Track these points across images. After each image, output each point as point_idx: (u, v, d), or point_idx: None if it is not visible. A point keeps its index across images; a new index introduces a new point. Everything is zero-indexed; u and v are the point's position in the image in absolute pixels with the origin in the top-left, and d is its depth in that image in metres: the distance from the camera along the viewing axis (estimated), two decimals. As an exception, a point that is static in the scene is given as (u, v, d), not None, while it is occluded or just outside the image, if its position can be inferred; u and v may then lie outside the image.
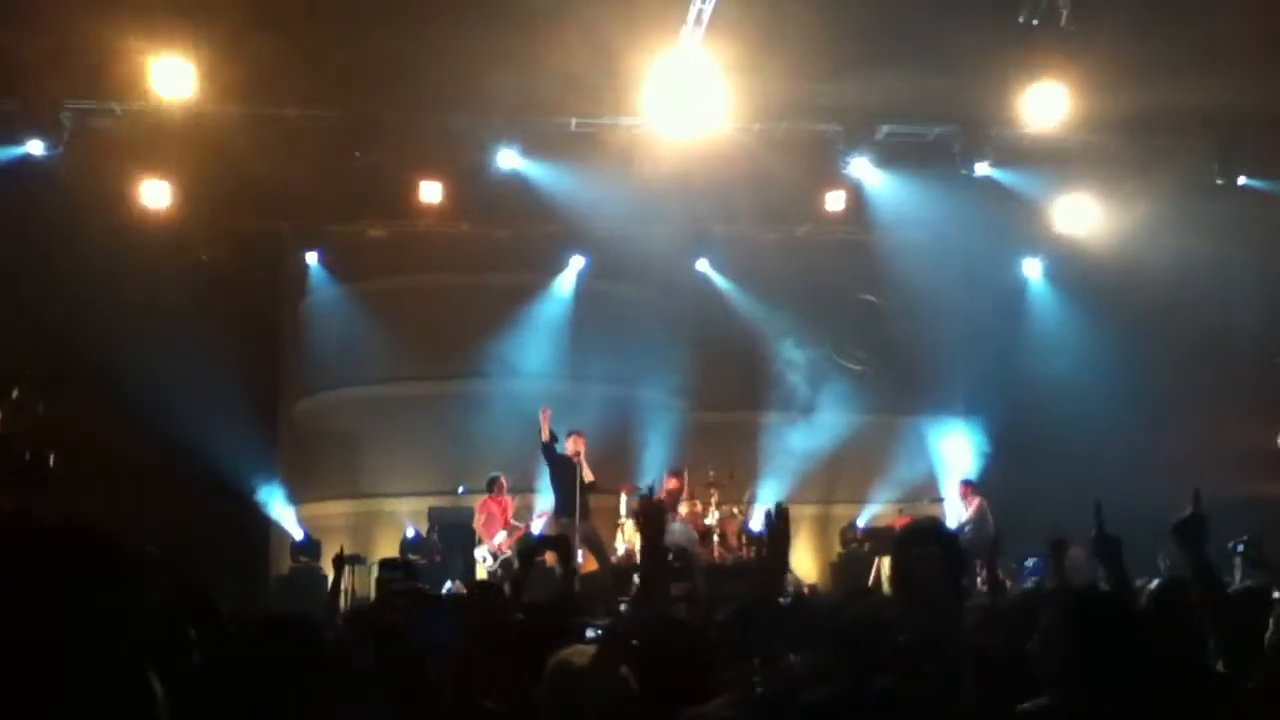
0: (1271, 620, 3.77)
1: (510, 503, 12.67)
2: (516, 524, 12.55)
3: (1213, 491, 3.51)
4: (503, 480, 12.61)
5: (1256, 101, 9.94)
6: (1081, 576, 5.89)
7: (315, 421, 14.93)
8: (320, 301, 14.59)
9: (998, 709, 2.86)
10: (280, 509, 14.19)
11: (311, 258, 14.27)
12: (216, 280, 12.85)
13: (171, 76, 10.03)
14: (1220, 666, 3.28)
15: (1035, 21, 8.89)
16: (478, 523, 12.45)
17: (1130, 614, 2.76)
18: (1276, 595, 4.37)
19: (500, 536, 12.25)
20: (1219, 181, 12.25)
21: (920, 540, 3.24)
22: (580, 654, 2.59)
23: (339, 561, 6.65)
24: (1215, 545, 4.40)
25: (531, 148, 11.67)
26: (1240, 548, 4.74)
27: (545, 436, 11.83)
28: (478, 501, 12.71)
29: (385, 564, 8.06)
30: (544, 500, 13.34)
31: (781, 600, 4.35)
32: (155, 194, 11.75)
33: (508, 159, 11.74)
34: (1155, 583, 3.72)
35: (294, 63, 10.10)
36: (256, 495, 13.85)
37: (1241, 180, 12.21)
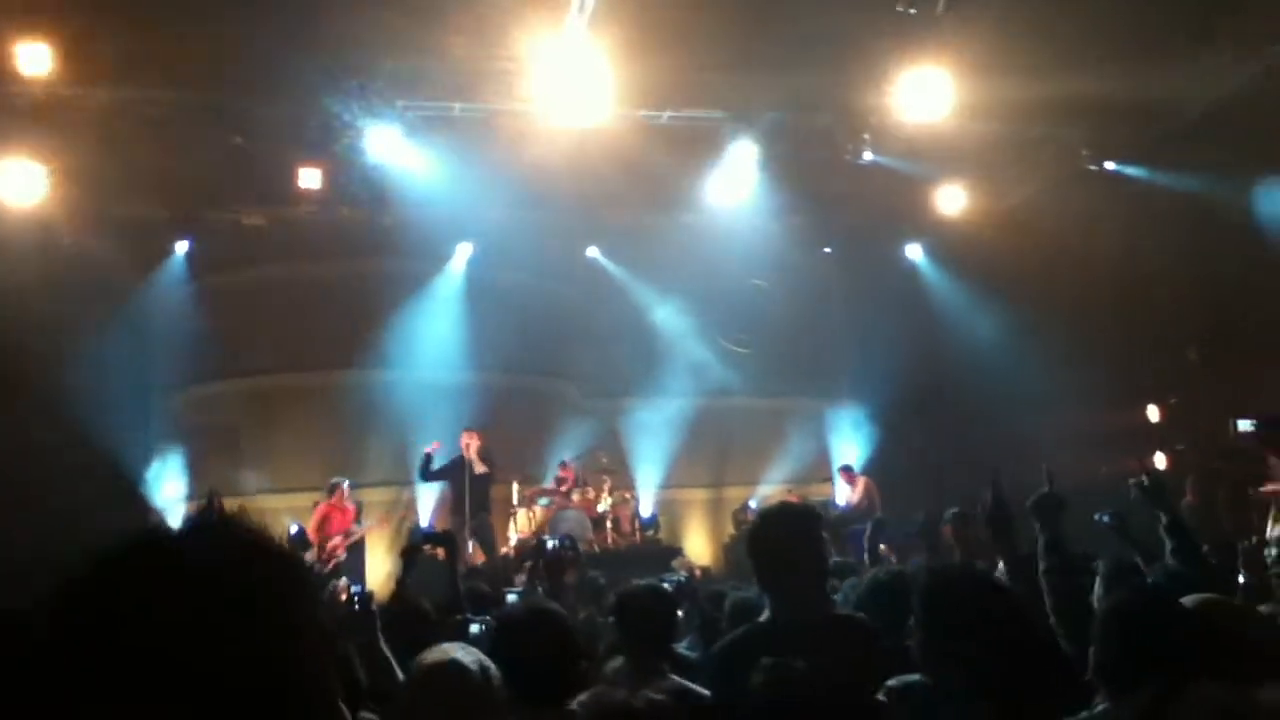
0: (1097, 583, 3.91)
1: (351, 509, 12.14)
2: (357, 528, 12.10)
3: (1088, 468, 3.61)
4: (344, 486, 12.06)
5: (1123, 89, 10.26)
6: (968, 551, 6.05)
7: (193, 416, 14.44)
8: (196, 291, 14.10)
9: (877, 682, 2.90)
10: (162, 505, 13.71)
11: (183, 246, 13.81)
12: (87, 268, 12.32)
13: (31, 56, 9.58)
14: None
15: (913, 10, 9.05)
16: (310, 525, 11.81)
17: (981, 591, 2.79)
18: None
19: (334, 540, 11.74)
20: (1090, 167, 12.70)
21: (775, 523, 3.28)
22: (444, 653, 2.53)
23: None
24: (1083, 519, 4.55)
25: (414, 132, 11.44)
26: (1106, 519, 4.85)
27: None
28: (319, 504, 12.11)
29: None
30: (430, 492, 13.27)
31: (666, 587, 4.36)
32: (18, 177, 11.16)
33: (390, 143, 11.49)
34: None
35: (163, 44, 9.70)
36: (139, 491, 13.36)
37: (1110, 166, 12.68)
